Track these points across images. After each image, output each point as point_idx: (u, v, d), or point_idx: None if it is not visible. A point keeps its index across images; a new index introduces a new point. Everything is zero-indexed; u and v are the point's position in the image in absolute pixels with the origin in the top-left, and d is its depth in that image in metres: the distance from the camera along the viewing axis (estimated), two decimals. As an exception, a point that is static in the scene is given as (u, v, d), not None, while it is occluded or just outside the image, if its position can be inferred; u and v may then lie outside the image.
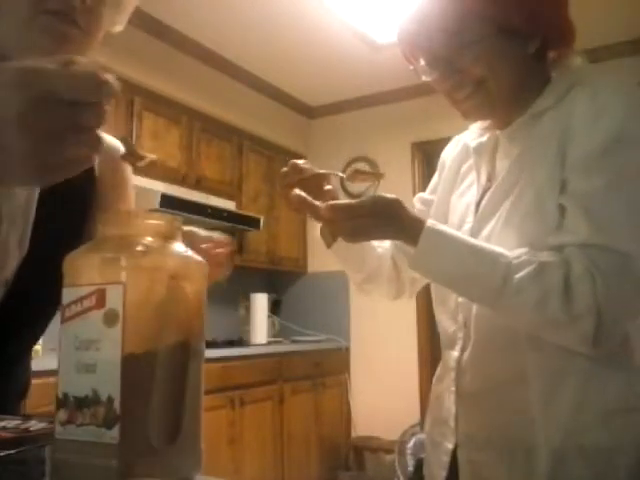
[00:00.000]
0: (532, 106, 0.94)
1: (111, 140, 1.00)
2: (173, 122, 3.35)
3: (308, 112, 4.65)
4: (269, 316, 3.90)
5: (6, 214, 0.88)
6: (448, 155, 1.16)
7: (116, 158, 0.87)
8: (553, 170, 0.88)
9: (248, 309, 3.77)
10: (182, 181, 3.36)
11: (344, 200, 0.89)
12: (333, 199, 0.98)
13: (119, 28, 0.96)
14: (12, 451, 0.63)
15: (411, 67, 1.00)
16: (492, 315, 0.92)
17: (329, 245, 1.00)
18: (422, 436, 3.34)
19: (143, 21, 3.21)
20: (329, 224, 0.88)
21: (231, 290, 3.76)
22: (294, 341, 4.04)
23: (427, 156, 4.20)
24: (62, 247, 0.63)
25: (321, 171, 1.00)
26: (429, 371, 4.05)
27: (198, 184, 3.46)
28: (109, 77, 0.49)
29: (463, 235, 0.91)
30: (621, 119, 0.85)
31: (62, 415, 0.52)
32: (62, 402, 0.52)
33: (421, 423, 3.57)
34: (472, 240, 0.89)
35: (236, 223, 3.55)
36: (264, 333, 3.72)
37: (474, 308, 0.96)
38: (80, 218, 0.95)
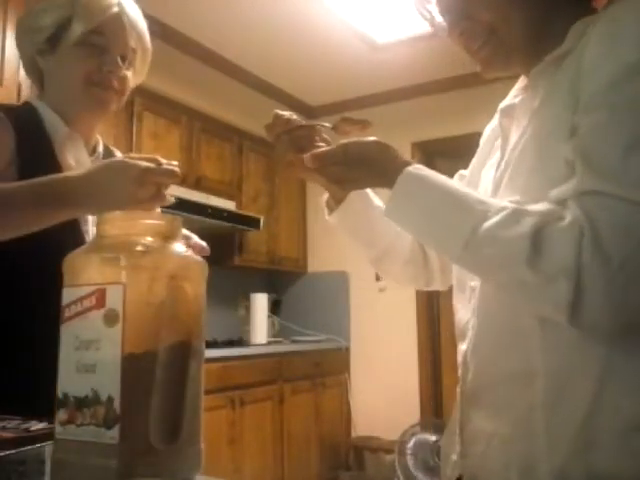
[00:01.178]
0: (552, 52, 0.82)
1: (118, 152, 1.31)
2: (173, 122, 3.35)
3: (308, 112, 4.65)
4: (269, 316, 3.89)
5: None
6: (488, 127, 1.04)
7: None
8: (562, 116, 0.75)
9: (248, 309, 3.77)
10: (182, 181, 3.36)
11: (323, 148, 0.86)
12: None
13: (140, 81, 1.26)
14: (12, 451, 0.63)
15: (423, 18, 0.93)
16: (496, 297, 0.81)
17: (330, 210, 0.98)
18: (422, 436, 3.34)
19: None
20: (316, 172, 0.84)
21: (231, 290, 3.76)
22: (294, 341, 4.04)
23: (427, 156, 4.20)
24: None
25: (308, 122, 0.95)
26: (429, 371, 4.04)
27: (198, 184, 3.46)
28: (177, 169, 1.00)
29: (452, 182, 0.80)
30: (633, 41, 0.70)
31: (62, 415, 0.52)
32: (62, 402, 0.52)
33: (421, 423, 3.57)
34: (458, 188, 0.78)
35: (236, 223, 3.55)
36: (264, 333, 3.72)
37: (478, 290, 0.84)
38: None
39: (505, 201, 0.74)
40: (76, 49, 1.10)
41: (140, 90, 3.20)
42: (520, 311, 0.77)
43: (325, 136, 0.95)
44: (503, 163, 0.86)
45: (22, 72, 2.33)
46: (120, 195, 0.91)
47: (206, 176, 3.54)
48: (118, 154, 1.31)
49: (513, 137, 0.87)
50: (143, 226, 0.56)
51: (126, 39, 1.14)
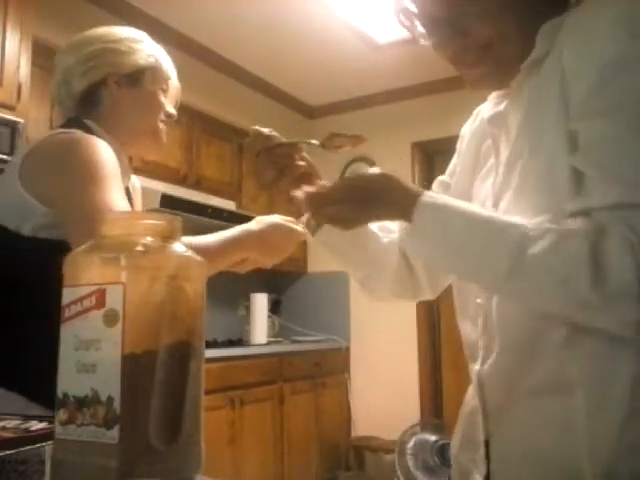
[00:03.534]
0: (528, 59, 0.79)
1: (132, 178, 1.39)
2: (173, 122, 3.35)
3: (308, 112, 4.65)
4: (269, 316, 3.89)
5: None
6: (467, 130, 0.99)
7: (138, 191, 1.40)
8: (558, 124, 0.73)
9: (248, 309, 3.77)
10: (182, 181, 3.36)
11: (320, 184, 0.81)
12: (307, 174, 0.88)
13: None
14: (12, 451, 0.63)
15: (407, 31, 0.87)
16: (518, 312, 0.77)
17: (313, 233, 0.94)
18: (422, 436, 3.34)
19: (143, 21, 3.21)
20: (311, 214, 0.80)
21: (231, 290, 3.76)
22: (294, 341, 4.04)
23: (427, 156, 4.20)
24: None
25: (288, 140, 0.89)
26: (429, 371, 4.04)
27: (198, 184, 3.45)
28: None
29: (471, 205, 0.77)
30: (613, 38, 0.69)
31: (62, 415, 0.52)
32: (62, 402, 0.52)
33: (421, 423, 3.57)
34: (480, 210, 0.75)
35: (236, 223, 3.53)
36: (264, 333, 3.72)
37: (494, 306, 0.80)
38: None
39: (534, 220, 0.70)
40: (157, 93, 1.28)
41: (140, 90, 3.20)
42: (546, 326, 0.74)
43: (305, 155, 0.91)
44: (499, 178, 0.83)
45: (22, 72, 2.33)
46: (282, 253, 1.22)
47: (206, 176, 3.54)
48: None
49: (504, 149, 0.85)
50: (143, 226, 0.56)
51: (176, 92, 1.38)
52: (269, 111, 4.25)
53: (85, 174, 1.04)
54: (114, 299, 0.50)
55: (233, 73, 3.92)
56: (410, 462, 3.25)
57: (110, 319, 0.50)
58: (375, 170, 0.81)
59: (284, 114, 4.43)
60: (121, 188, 1.08)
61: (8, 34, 2.29)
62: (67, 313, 0.53)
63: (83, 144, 1.08)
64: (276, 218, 1.21)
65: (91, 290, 0.52)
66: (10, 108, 2.24)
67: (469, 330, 0.87)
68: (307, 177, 0.91)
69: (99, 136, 1.16)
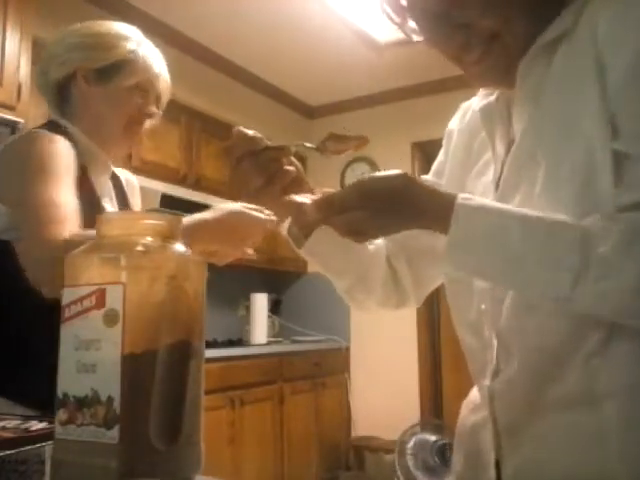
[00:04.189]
0: (538, 38, 0.71)
1: (131, 176, 1.42)
2: (173, 122, 3.35)
3: (308, 112, 4.65)
4: (269, 316, 3.89)
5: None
6: (455, 126, 0.92)
7: (137, 192, 1.40)
8: (595, 106, 0.64)
9: (248, 309, 3.77)
10: (182, 181, 3.36)
11: (328, 190, 0.71)
12: (298, 181, 0.78)
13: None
14: (12, 451, 0.63)
15: (396, 27, 0.79)
16: (539, 320, 0.69)
17: (299, 245, 0.86)
18: (422, 436, 3.34)
19: (143, 22, 3.21)
20: (323, 223, 0.70)
21: (231, 290, 3.76)
22: (294, 341, 4.04)
23: (427, 156, 4.20)
24: None
25: (277, 143, 0.78)
26: (429, 371, 4.05)
27: (198, 184, 3.45)
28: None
29: (507, 206, 0.67)
30: None
31: (62, 415, 0.52)
32: (62, 402, 0.52)
33: (421, 423, 3.57)
34: (524, 210, 0.65)
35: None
36: (264, 333, 3.72)
37: (506, 313, 0.73)
38: None
39: (587, 219, 0.62)
40: (127, 91, 1.22)
41: (140, 90, 3.20)
42: (575, 332, 0.67)
43: (293, 159, 0.80)
44: (505, 173, 0.75)
45: (22, 72, 2.33)
46: (245, 243, 1.13)
47: (206, 176, 3.54)
48: (116, 170, 1.36)
49: (499, 142, 0.78)
50: (143, 226, 0.56)
51: (161, 89, 1.31)
52: (269, 111, 4.25)
53: (33, 171, 1.04)
54: (114, 299, 0.50)
55: (233, 73, 3.92)
56: (410, 462, 3.25)
57: (110, 319, 0.50)
58: (391, 171, 0.66)
59: (284, 114, 4.43)
60: (71, 186, 1.07)
61: (8, 34, 2.29)
62: (67, 313, 0.53)
63: (37, 142, 1.08)
64: (237, 205, 1.10)
65: (91, 290, 0.52)
66: (10, 108, 2.24)
67: (472, 341, 0.80)
68: (297, 184, 0.80)
69: (73, 137, 1.16)
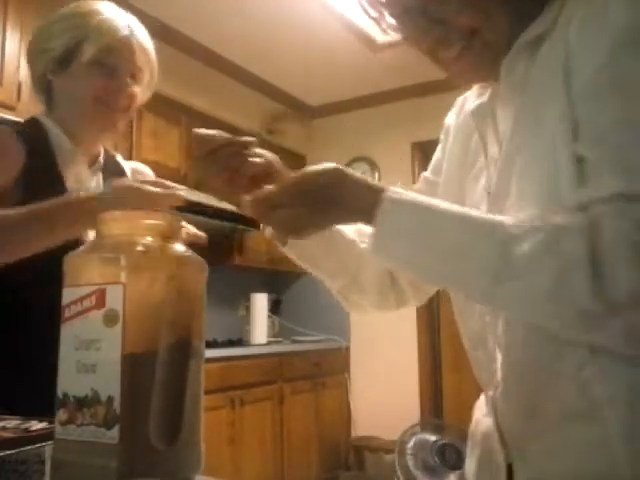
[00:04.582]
0: (521, 36, 0.69)
1: (145, 168, 1.38)
2: (173, 122, 3.35)
3: (308, 112, 4.65)
4: (269, 316, 3.89)
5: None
6: (452, 121, 0.90)
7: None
8: (558, 107, 0.64)
9: (248, 309, 3.77)
10: (182, 181, 3.36)
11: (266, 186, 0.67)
12: (267, 174, 0.75)
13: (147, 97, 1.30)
14: (12, 451, 0.63)
15: (372, 21, 0.77)
16: (530, 330, 0.67)
17: (283, 243, 0.83)
18: (422, 436, 3.34)
19: (143, 21, 3.20)
20: (260, 220, 0.68)
21: (231, 290, 3.76)
22: (294, 341, 4.04)
23: (427, 156, 4.19)
24: None
25: (234, 137, 0.76)
26: (429, 371, 4.04)
27: (198, 184, 3.45)
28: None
29: (444, 203, 0.66)
30: (626, 13, 0.60)
31: (62, 415, 0.52)
32: (62, 402, 0.52)
33: (421, 423, 3.57)
34: (456, 208, 0.65)
35: (236, 223, 3.55)
36: (264, 333, 3.72)
37: (501, 325, 0.71)
38: None
39: (520, 217, 0.61)
40: (87, 68, 1.14)
41: (140, 90, 3.20)
42: (564, 346, 0.65)
43: (263, 152, 0.78)
44: (493, 178, 0.73)
45: (22, 72, 2.33)
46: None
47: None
48: (119, 159, 1.33)
49: (492, 145, 0.76)
50: (143, 226, 0.56)
51: (134, 60, 1.19)
52: (269, 111, 4.25)
53: None
54: (114, 299, 0.50)
55: (233, 73, 3.92)
56: (410, 462, 3.25)
57: (110, 319, 0.50)
58: (327, 164, 0.65)
59: (284, 114, 4.43)
60: None
61: (8, 34, 2.29)
62: (67, 313, 0.53)
63: None
64: (132, 182, 1.04)
65: (91, 290, 0.52)
66: (10, 108, 2.24)
67: (478, 352, 0.78)
68: (268, 176, 0.76)
69: (47, 128, 1.16)
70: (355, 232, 0.89)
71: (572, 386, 0.66)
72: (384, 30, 0.76)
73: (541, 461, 0.70)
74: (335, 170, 0.65)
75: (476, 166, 0.80)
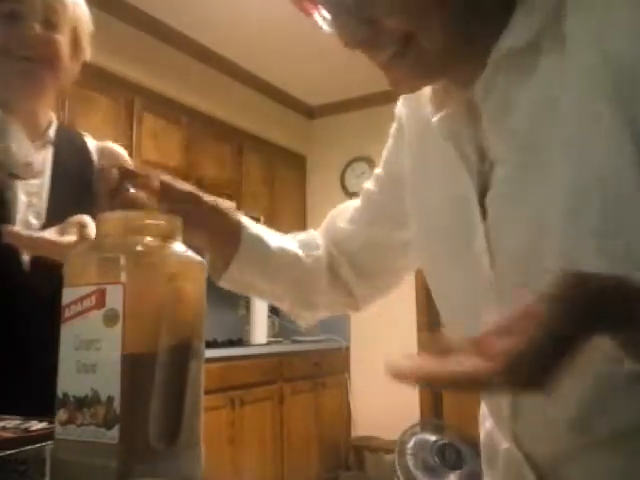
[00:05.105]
0: (494, 50, 0.59)
1: (116, 148, 1.22)
2: (173, 122, 3.35)
3: (308, 112, 4.65)
4: (269, 316, 3.89)
5: (24, 194, 1.06)
6: (403, 114, 0.80)
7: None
8: (614, 128, 0.53)
9: (248, 309, 3.77)
10: (182, 181, 3.36)
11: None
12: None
13: (87, 53, 1.13)
14: (12, 451, 0.62)
15: (306, 16, 0.71)
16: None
17: (216, 278, 0.77)
18: (422, 436, 3.34)
19: (143, 21, 3.21)
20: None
21: (231, 290, 3.76)
22: (294, 341, 4.04)
23: (427, 156, 4.19)
24: None
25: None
26: (429, 371, 4.04)
27: (198, 184, 3.44)
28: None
29: None
30: None
31: (62, 415, 0.52)
32: (62, 402, 0.52)
33: (421, 423, 3.57)
34: None
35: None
36: (264, 333, 3.72)
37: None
38: (86, 206, 1.05)
39: None
40: None
41: (140, 90, 3.20)
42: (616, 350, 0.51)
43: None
44: (498, 187, 0.62)
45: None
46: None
47: (206, 176, 3.54)
48: (87, 138, 1.22)
49: (473, 155, 0.65)
50: (143, 226, 0.56)
51: (37, 5, 1.01)
52: (269, 111, 4.25)
53: None
54: (114, 299, 0.50)
55: (233, 73, 3.92)
56: (410, 462, 3.25)
57: (110, 319, 0.50)
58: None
59: (284, 114, 4.43)
60: None
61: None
62: (67, 313, 0.53)
63: None
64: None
65: (91, 290, 0.51)
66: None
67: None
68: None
69: None
70: (300, 246, 0.85)
71: (625, 397, 0.57)
72: (320, 26, 0.68)
73: None
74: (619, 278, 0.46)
75: (443, 175, 0.71)
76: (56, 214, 1.06)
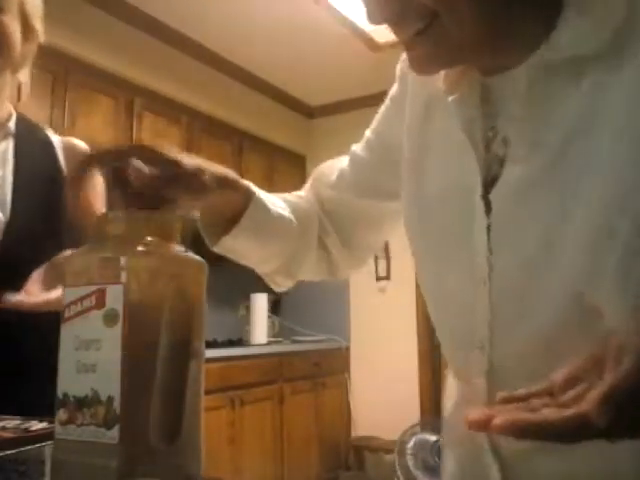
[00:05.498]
0: (541, 52, 0.56)
1: (79, 143, 1.20)
2: (173, 122, 3.35)
3: (308, 112, 4.65)
4: (269, 316, 3.90)
5: None
6: (410, 82, 0.75)
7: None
8: None
9: (248, 309, 3.77)
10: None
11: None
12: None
13: (39, 35, 1.10)
14: (12, 451, 0.63)
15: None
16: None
17: (212, 242, 0.76)
18: (422, 436, 3.34)
19: (143, 21, 3.21)
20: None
21: (231, 290, 3.76)
22: (294, 341, 4.04)
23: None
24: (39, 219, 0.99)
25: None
26: (429, 371, 4.05)
27: (198, 184, 3.46)
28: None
29: None
30: None
31: (62, 415, 0.52)
32: (62, 402, 0.52)
33: (421, 423, 3.57)
34: None
35: (236, 223, 3.55)
36: (264, 333, 3.72)
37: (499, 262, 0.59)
38: (52, 200, 1.07)
39: None
40: None
41: (140, 90, 3.20)
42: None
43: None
44: (512, 178, 0.59)
45: (22, 72, 2.33)
46: None
47: (206, 176, 3.54)
48: (49, 132, 1.21)
49: (480, 143, 0.62)
50: (143, 226, 0.56)
51: None
52: (269, 111, 4.25)
53: None
54: (114, 299, 0.50)
55: (233, 73, 3.92)
56: (410, 462, 3.25)
57: (110, 319, 0.50)
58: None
59: (284, 114, 4.43)
60: None
61: (8, 34, 2.28)
62: (67, 313, 0.53)
63: None
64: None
65: (91, 290, 0.51)
66: (10, 108, 2.24)
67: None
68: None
69: None
70: (287, 205, 0.84)
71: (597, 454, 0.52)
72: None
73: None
74: None
75: (445, 154, 0.68)
76: (20, 207, 1.05)
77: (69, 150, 1.17)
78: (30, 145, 1.13)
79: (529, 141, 0.59)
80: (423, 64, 0.62)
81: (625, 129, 0.52)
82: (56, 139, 1.19)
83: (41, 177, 1.12)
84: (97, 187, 1.15)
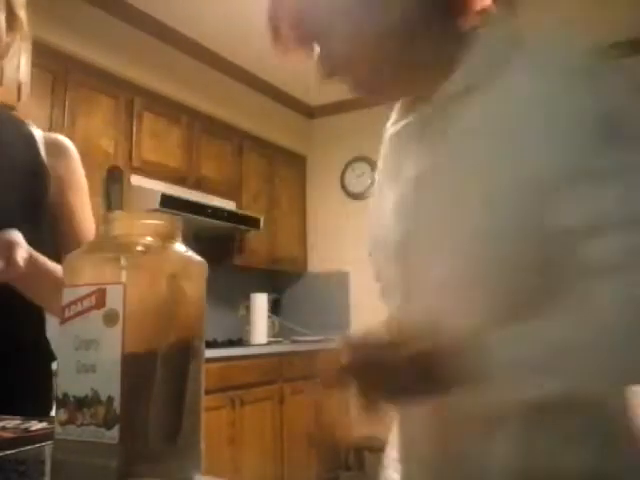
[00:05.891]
0: (445, 86, 0.71)
1: (63, 139, 1.20)
2: (173, 122, 3.35)
3: (308, 112, 4.65)
4: (269, 316, 3.89)
5: None
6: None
7: (67, 155, 1.17)
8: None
9: (248, 309, 3.77)
10: (182, 181, 3.36)
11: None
12: None
13: (24, 23, 1.08)
14: (12, 451, 0.63)
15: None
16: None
17: None
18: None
19: (143, 21, 3.21)
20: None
21: (231, 290, 3.76)
22: (294, 341, 4.04)
23: (427, 156, 4.18)
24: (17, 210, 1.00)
25: None
26: (429, 371, 4.04)
27: (198, 184, 3.45)
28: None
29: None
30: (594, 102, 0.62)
31: (62, 415, 0.52)
32: (62, 402, 0.52)
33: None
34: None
35: (236, 223, 3.55)
36: (264, 333, 3.72)
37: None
38: (33, 193, 1.08)
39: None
40: None
41: (140, 90, 3.20)
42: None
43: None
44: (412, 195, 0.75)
45: (22, 72, 2.33)
46: None
47: (206, 176, 3.54)
48: (32, 127, 1.19)
49: (411, 170, 0.76)
50: (143, 226, 0.56)
51: None
52: (269, 111, 4.24)
53: None
54: (114, 299, 0.50)
55: (233, 73, 3.92)
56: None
57: (110, 319, 0.50)
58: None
59: (284, 114, 4.43)
60: None
61: (8, 34, 2.29)
62: (67, 313, 0.53)
63: None
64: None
65: (91, 290, 0.52)
66: (10, 108, 2.24)
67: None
68: None
69: None
70: None
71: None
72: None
73: None
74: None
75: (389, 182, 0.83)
76: (0, 200, 1.05)
77: (52, 145, 1.17)
78: (12, 138, 1.13)
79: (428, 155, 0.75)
80: (357, 89, 0.81)
81: (495, 133, 0.66)
82: (39, 134, 1.19)
83: (22, 170, 1.12)
84: (80, 192, 1.19)
